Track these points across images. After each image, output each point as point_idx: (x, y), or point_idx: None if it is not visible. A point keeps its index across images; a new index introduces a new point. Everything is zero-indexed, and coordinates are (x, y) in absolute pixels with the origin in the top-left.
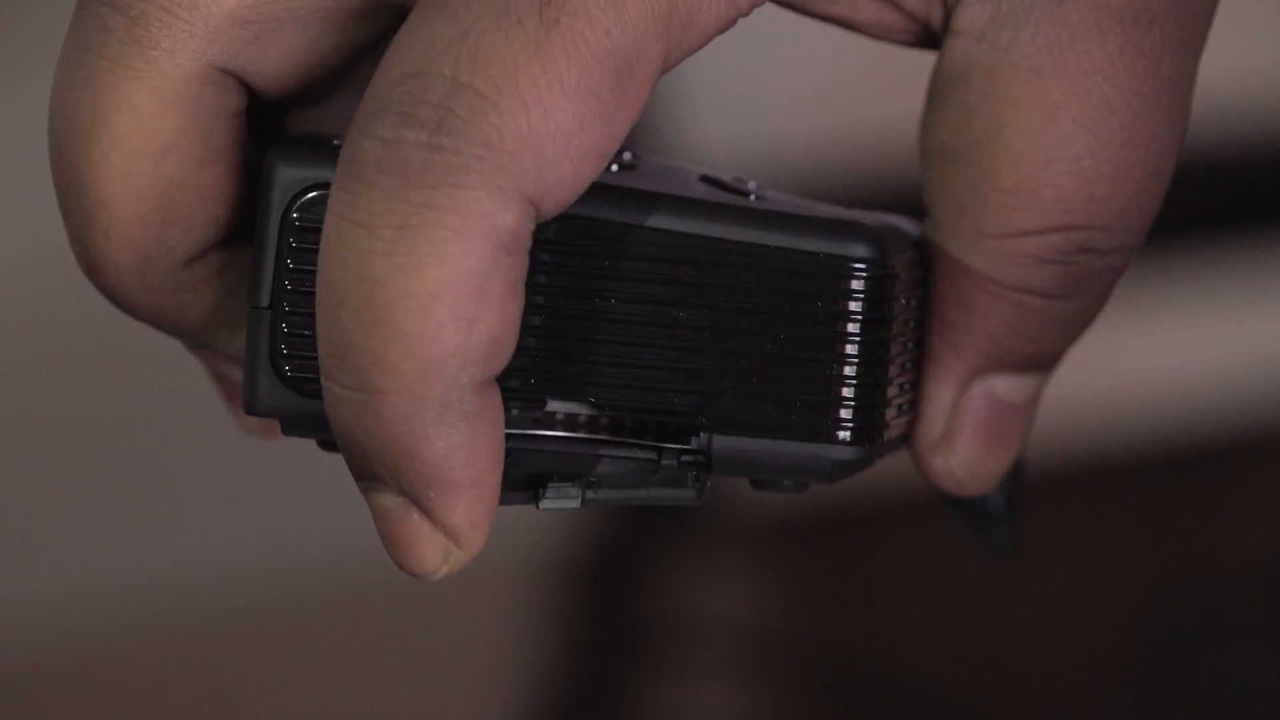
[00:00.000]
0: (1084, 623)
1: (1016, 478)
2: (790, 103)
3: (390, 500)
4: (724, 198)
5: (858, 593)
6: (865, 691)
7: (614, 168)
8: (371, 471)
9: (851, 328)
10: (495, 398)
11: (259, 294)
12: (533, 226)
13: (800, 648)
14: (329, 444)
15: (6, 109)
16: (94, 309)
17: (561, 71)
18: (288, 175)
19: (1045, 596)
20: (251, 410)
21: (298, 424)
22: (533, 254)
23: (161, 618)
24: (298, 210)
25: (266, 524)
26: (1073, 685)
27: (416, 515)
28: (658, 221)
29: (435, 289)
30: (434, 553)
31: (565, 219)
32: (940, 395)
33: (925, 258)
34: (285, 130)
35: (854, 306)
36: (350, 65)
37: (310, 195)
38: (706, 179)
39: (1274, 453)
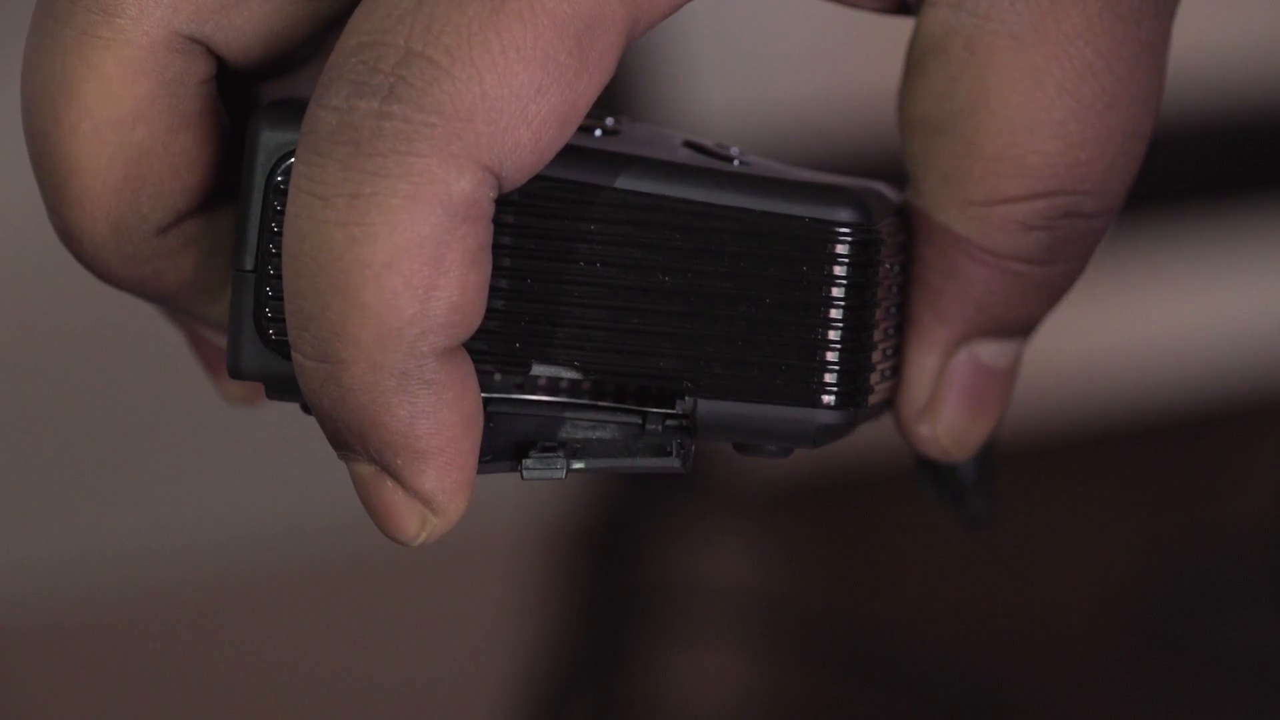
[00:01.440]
0: (1084, 589)
1: (989, 446)
2: (777, 69)
3: (364, 468)
4: (707, 162)
5: (858, 559)
6: (865, 658)
7: (598, 133)
8: (343, 440)
9: (836, 292)
10: (461, 365)
11: (243, 257)
12: (493, 194)
13: (801, 614)
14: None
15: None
16: (73, 281)
17: (517, 37)
18: (272, 139)
19: (1045, 563)
20: (236, 373)
21: (281, 387)
22: (514, 218)
23: (156, 585)
24: (282, 173)
25: (261, 491)
26: (1073, 651)
27: (390, 483)
28: (642, 185)
29: (389, 258)
30: (411, 519)
31: (546, 182)
32: (925, 362)
33: (908, 224)
34: (260, 98)
35: (839, 270)
36: (320, 35)
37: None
38: (690, 144)
39: (1272, 417)
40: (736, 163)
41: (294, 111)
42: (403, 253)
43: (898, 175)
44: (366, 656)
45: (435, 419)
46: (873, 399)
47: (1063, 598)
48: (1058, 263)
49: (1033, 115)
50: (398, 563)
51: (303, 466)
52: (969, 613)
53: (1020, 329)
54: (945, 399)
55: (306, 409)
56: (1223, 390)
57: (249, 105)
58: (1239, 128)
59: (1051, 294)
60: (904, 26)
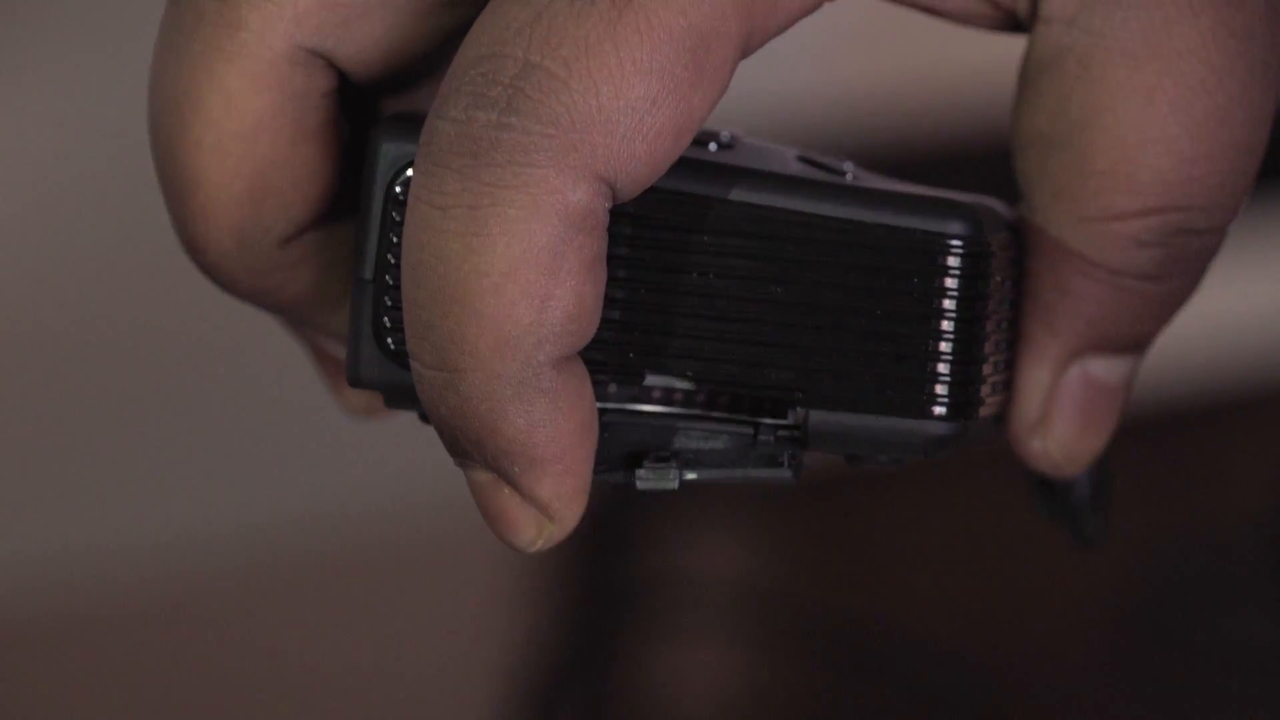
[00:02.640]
0: (1079, 583)
1: (1103, 463)
2: (790, 57)
3: (481, 475)
4: (820, 176)
5: (850, 553)
6: (859, 650)
7: (712, 146)
8: (461, 448)
9: (948, 304)
10: (577, 374)
11: (363, 267)
12: (608, 204)
13: (793, 607)
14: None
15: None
16: (62, 277)
17: (634, 50)
18: (391, 151)
19: (1040, 557)
20: (355, 382)
21: (400, 396)
22: (629, 228)
23: (152, 579)
24: (401, 185)
25: (250, 487)
26: (1068, 646)
27: (507, 490)
28: (755, 198)
29: (507, 268)
30: (527, 525)
31: (661, 194)
32: (1037, 377)
33: (1020, 239)
34: (381, 112)
35: (950, 283)
36: (440, 50)
37: (413, 169)
38: (804, 159)
39: (1268, 412)
40: (849, 177)
41: (413, 124)
42: (520, 263)
43: (904, 162)
44: (356, 651)
45: (551, 427)
46: (983, 411)
47: (1057, 592)
48: (1171, 279)
49: (1145, 132)
50: (387, 557)
51: (293, 462)
52: (962, 607)
53: (1133, 345)
54: (1057, 414)
55: (425, 418)
56: (1219, 384)
57: (370, 119)
58: None
59: (1165, 310)
60: (913, 17)
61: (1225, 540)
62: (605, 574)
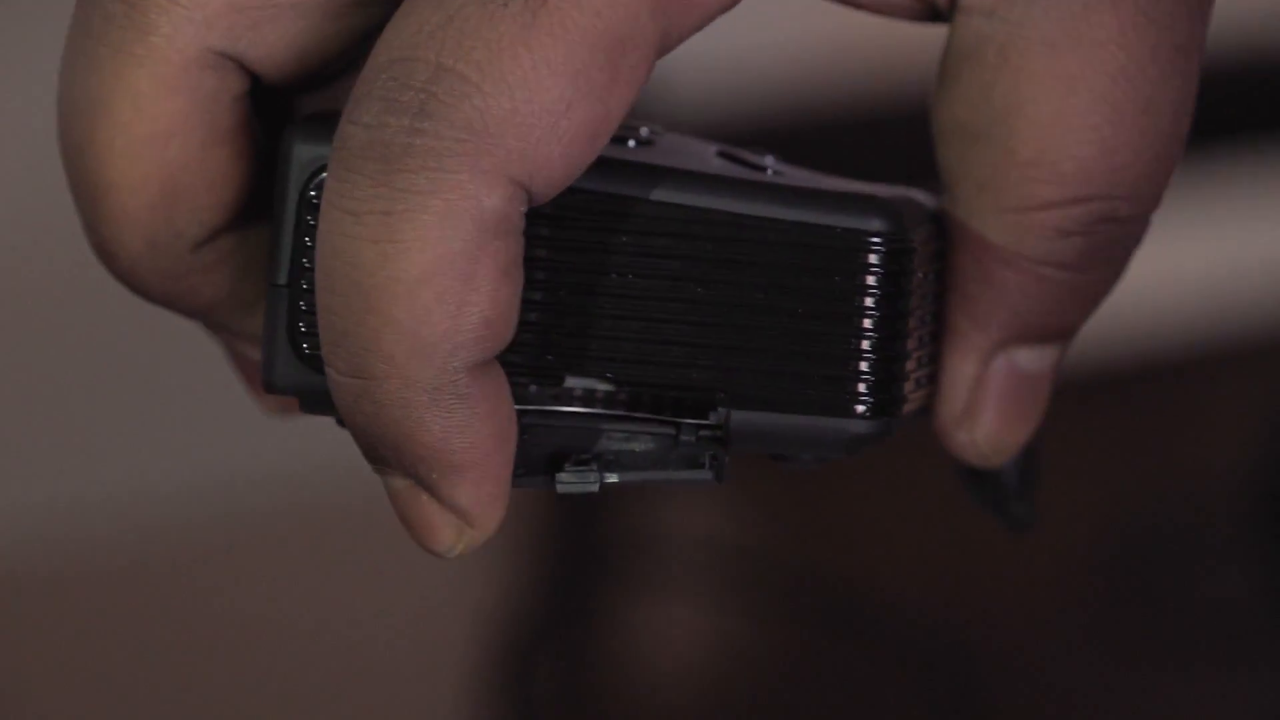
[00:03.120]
0: (1051, 540)
1: (1030, 448)
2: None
3: (398, 482)
4: (741, 173)
5: (827, 513)
6: (834, 609)
7: (631, 143)
8: (378, 454)
9: (869, 302)
10: (495, 379)
11: (277, 272)
12: (524, 208)
13: (770, 566)
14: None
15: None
16: (24, 229)
17: (548, 52)
18: (305, 153)
19: None
20: (270, 388)
21: (316, 402)
22: (547, 230)
23: (133, 531)
24: (315, 188)
25: (224, 441)
26: (1041, 603)
27: (425, 496)
28: (675, 197)
29: (421, 274)
30: (446, 531)
31: (579, 195)
32: (962, 369)
33: (943, 230)
34: (295, 112)
35: (870, 280)
36: (353, 50)
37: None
38: (724, 154)
39: (1241, 367)
40: (770, 172)
41: (327, 126)
42: (434, 269)
43: (828, 144)
44: (332, 607)
45: (469, 433)
46: (908, 408)
47: (1030, 549)
48: (1095, 268)
49: (1067, 121)
50: (364, 513)
51: (265, 417)
52: (936, 566)
53: (1058, 334)
54: (983, 405)
55: (342, 422)
56: (1191, 340)
57: (283, 119)
58: (1217, 73)
59: (1089, 299)
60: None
61: (1200, 495)
62: (583, 531)
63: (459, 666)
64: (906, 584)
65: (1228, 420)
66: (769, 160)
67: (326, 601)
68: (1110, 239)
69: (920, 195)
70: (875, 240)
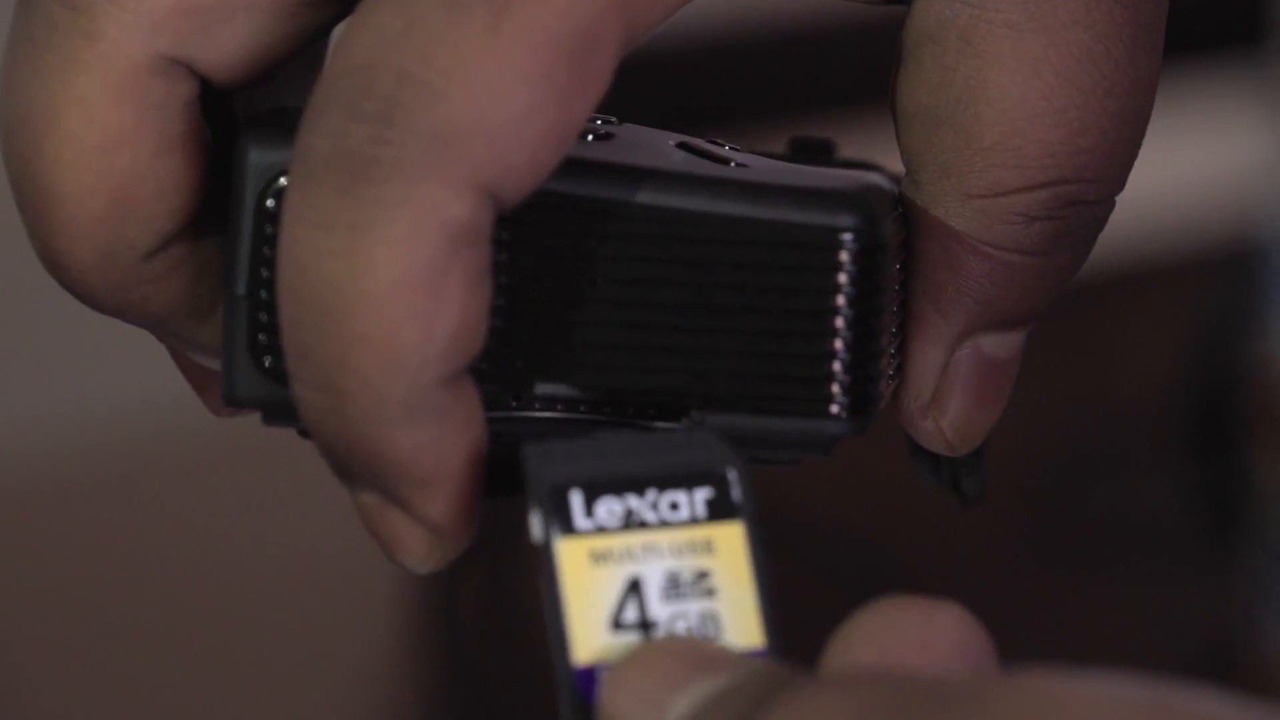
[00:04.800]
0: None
1: None
2: None
3: (368, 497)
4: (706, 168)
5: None
6: (771, 541)
7: (589, 137)
8: (347, 471)
9: (843, 301)
10: (465, 391)
11: (234, 282)
12: (492, 216)
13: None
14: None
15: None
16: None
17: (513, 56)
18: (261, 160)
19: None
20: (231, 401)
21: (279, 414)
22: (511, 234)
23: (75, 449)
24: (272, 195)
25: (160, 366)
26: (974, 522)
27: (395, 512)
28: (640, 197)
29: (390, 288)
30: (419, 546)
31: (544, 197)
32: (929, 358)
33: (906, 217)
34: (248, 110)
35: (843, 279)
36: (303, 50)
37: (284, 180)
38: (684, 145)
39: (1160, 287)
40: (733, 164)
41: (283, 130)
42: (404, 282)
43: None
44: (261, 530)
45: (440, 448)
46: (882, 404)
47: None
48: (1061, 252)
49: (1032, 104)
50: (296, 440)
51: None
52: (864, 486)
53: (1024, 319)
54: (950, 393)
55: (305, 434)
56: (1113, 264)
57: (234, 121)
58: None
59: (1056, 283)
60: None
61: (1125, 417)
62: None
63: (386, 589)
64: (834, 505)
65: (1152, 340)
66: (729, 150)
67: (256, 522)
68: (1077, 222)
69: (882, 178)
70: (848, 237)
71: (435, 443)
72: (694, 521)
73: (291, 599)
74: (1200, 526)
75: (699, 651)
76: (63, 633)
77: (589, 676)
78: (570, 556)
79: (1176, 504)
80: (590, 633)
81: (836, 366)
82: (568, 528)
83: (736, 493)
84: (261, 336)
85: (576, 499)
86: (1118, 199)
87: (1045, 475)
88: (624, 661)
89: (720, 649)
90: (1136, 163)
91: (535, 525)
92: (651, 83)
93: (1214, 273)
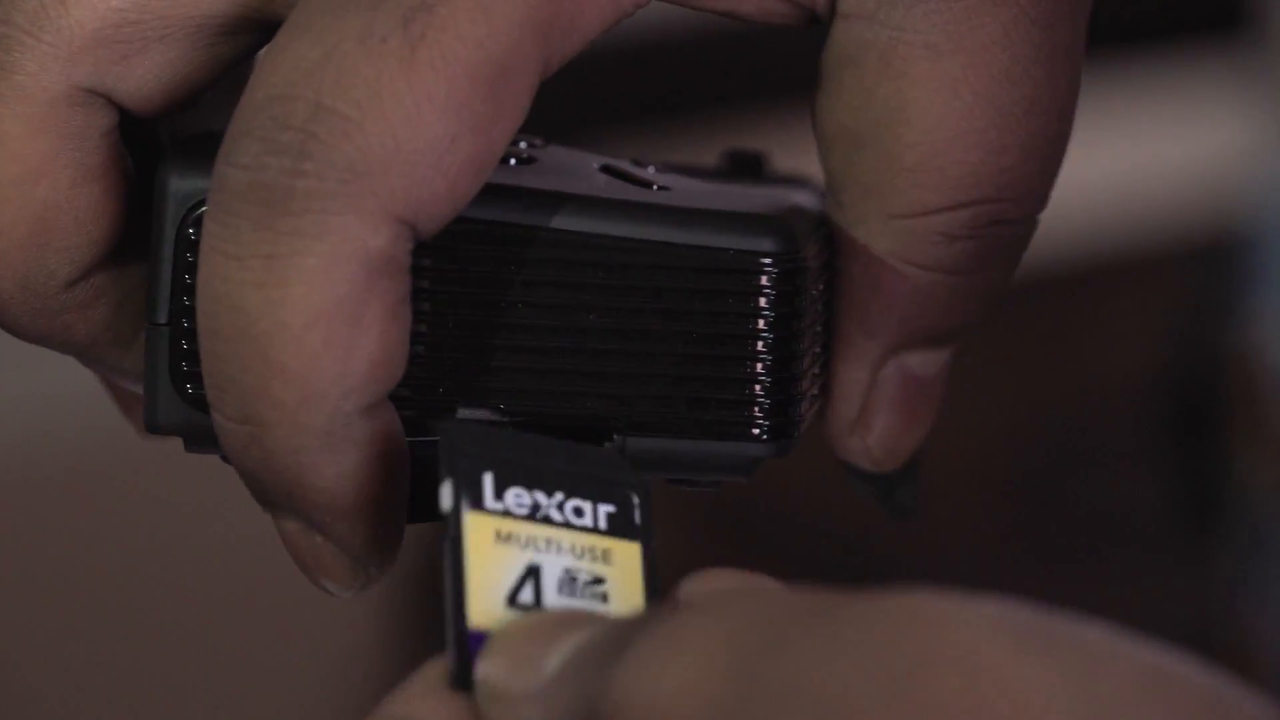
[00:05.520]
0: (962, 448)
1: None
2: None
3: (291, 525)
4: (628, 192)
5: None
6: (749, 526)
7: (511, 161)
8: (268, 499)
9: (764, 325)
10: (386, 418)
11: (155, 311)
12: (410, 245)
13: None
14: None
15: None
16: None
17: (429, 87)
18: (181, 188)
19: None
20: (153, 429)
21: (201, 440)
22: (431, 261)
23: (63, 432)
24: (193, 224)
25: None
26: (955, 511)
27: (319, 539)
28: (560, 223)
29: (308, 319)
30: (343, 574)
31: (464, 223)
32: (854, 377)
33: (829, 237)
34: (173, 134)
35: (764, 303)
36: (226, 74)
37: (205, 209)
38: (607, 169)
39: (1146, 275)
40: (655, 187)
41: (202, 157)
42: (321, 314)
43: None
44: (255, 522)
45: (362, 476)
46: (803, 426)
47: (941, 464)
48: (984, 270)
49: (952, 125)
50: None
51: None
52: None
53: (949, 337)
54: (876, 412)
55: (228, 459)
56: (1092, 249)
57: (158, 148)
58: None
59: (979, 302)
60: None
61: (1105, 403)
62: None
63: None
64: (815, 496)
65: (1131, 329)
66: (651, 171)
67: (255, 511)
68: (998, 241)
69: (808, 197)
70: (767, 261)
71: (356, 471)
72: (595, 531)
73: (285, 587)
74: (1180, 515)
75: (572, 614)
76: (58, 619)
77: (479, 639)
78: (477, 530)
79: (1156, 493)
80: (487, 602)
81: (758, 390)
82: (477, 503)
83: (638, 516)
84: (184, 364)
85: (488, 480)
86: (1104, 186)
87: (1026, 464)
88: (504, 628)
89: (595, 614)
90: (1119, 149)
91: (445, 495)
92: (595, 77)
93: (1195, 262)
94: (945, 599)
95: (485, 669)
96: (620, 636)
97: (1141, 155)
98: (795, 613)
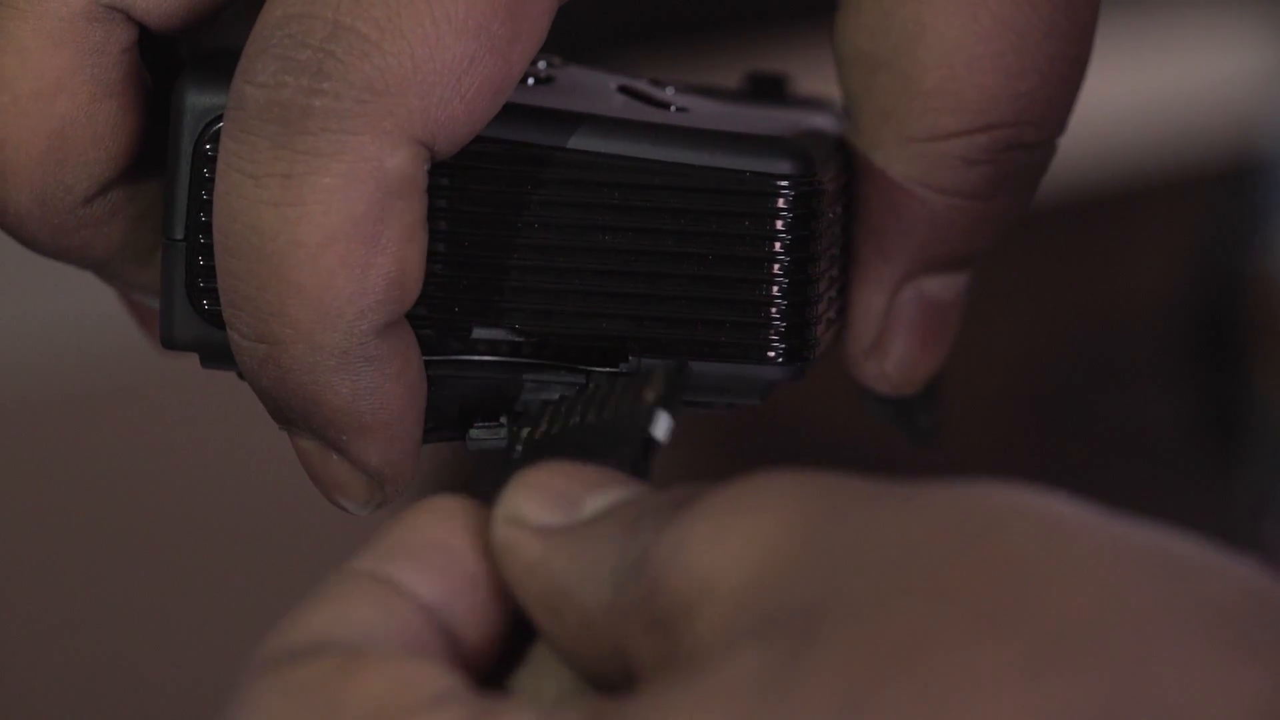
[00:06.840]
0: (985, 368)
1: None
2: None
3: (307, 443)
4: (645, 113)
5: None
6: (772, 447)
7: (530, 81)
8: (285, 417)
9: (780, 247)
10: (403, 338)
11: (173, 226)
12: (427, 166)
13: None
14: None
15: None
16: None
17: (448, 7)
18: (198, 104)
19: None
20: (169, 344)
21: (216, 357)
22: (449, 180)
23: (62, 360)
24: (210, 140)
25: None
26: (978, 430)
27: (335, 457)
28: (578, 143)
29: (325, 238)
30: (359, 491)
31: (482, 143)
32: (872, 302)
33: (848, 160)
34: (193, 52)
35: (780, 225)
36: None
37: (222, 124)
38: (625, 89)
39: (1169, 197)
40: (674, 108)
41: (220, 72)
42: (338, 232)
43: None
44: (265, 445)
45: (378, 395)
46: (820, 350)
47: (964, 380)
48: (1003, 195)
49: (971, 48)
50: None
51: None
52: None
53: (967, 262)
54: (894, 336)
55: (244, 377)
56: (1117, 171)
57: (172, 63)
58: None
59: (998, 226)
60: None
61: (1130, 324)
62: None
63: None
64: (837, 416)
65: (1153, 252)
66: (670, 92)
67: (266, 433)
68: (1017, 166)
69: (825, 119)
70: (784, 184)
71: (373, 390)
72: None
73: (293, 508)
74: (1202, 436)
75: (618, 474)
76: (72, 540)
77: None
78: None
79: (1179, 414)
80: None
81: (773, 312)
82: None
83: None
84: (200, 280)
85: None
86: (1125, 109)
87: (1049, 385)
88: (545, 466)
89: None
90: (1140, 72)
91: (663, 427)
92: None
93: (1217, 184)
94: (1019, 494)
95: (513, 497)
96: (669, 502)
97: (1163, 78)
98: (858, 490)
